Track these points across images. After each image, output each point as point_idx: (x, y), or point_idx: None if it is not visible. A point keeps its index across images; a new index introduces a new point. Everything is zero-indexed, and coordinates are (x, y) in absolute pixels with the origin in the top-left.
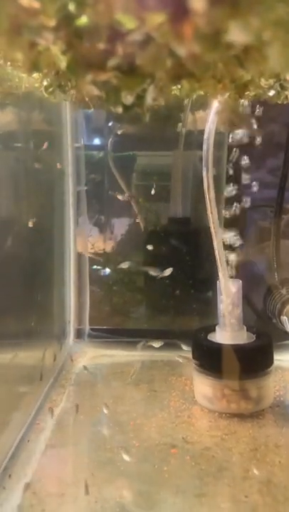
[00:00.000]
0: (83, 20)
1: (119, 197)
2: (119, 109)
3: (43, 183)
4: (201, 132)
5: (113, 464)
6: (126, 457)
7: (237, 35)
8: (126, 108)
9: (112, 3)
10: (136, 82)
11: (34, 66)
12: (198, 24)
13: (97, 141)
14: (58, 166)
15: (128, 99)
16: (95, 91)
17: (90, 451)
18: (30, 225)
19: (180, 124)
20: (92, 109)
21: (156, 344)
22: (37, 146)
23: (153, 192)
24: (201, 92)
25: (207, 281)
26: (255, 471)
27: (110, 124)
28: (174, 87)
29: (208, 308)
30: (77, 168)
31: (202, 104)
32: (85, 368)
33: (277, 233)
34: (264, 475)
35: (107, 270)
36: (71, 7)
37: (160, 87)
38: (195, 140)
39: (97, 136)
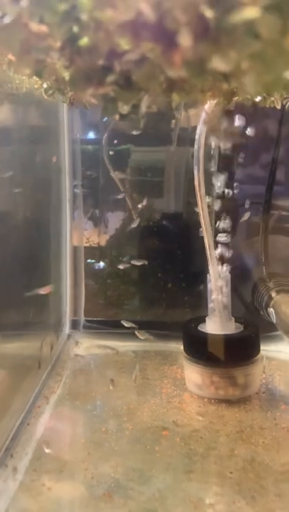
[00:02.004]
0: (84, 40)
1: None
2: (116, 117)
3: (40, 178)
4: (195, 129)
5: (108, 444)
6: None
7: (218, 64)
8: (122, 116)
9: (110, 32)
10: (132, 95)
11: (37, 74)
12: (186, 55)
13: (92, 136)
14: (54, 159)
15: (124, 109)
16: (94, 101)
17: (86, 433)
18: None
19: (173, 121)
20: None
21: (142, 336)
22: (34, 142)
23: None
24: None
25: (198, 275)
26: (240, 451)
27: (105, 119)
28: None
29: (199, 300)
30: (74, 163)
31: (196, 101)
32: (77, 355)
33: (266, 229)
34: (248, 454)
35: (102, 264)
36: (75, 30)
37: (153, 98)
38: (188, 137)
39: (92, 131)
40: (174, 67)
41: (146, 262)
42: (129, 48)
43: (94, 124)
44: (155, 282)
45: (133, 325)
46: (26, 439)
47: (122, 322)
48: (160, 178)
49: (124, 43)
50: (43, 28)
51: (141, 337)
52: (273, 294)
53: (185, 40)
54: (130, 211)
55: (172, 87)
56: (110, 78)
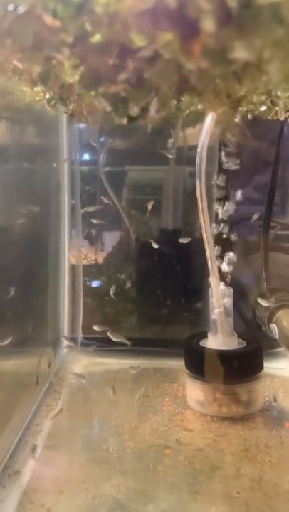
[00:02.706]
0: (97, 37)
1: (105, 200)
2: (124, 121)
3: (39, 194)
4: (191, 148)
5: (109, 463)
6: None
7: (241, 53)
8: (131, 119)
9: (127, 23)
10: (143, 94)
11: (42, 79)
12: (207, 43)
13: (89, 156)
14: (55, 165)
15: (134, 110)
16: (104, 103)
17: (87, 452)
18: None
19: (170, 140)
20: (86, 125)
21: (115, 338)
22: (34, 159)
23: (149, 207)
24: (198, 106)
25: (198, 291)
26: (247, 470)
27: (102, 139)
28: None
29: (198, 317)
30: (73, 182)
31: (193, 120)
32: (78, 375)
33: (266, 246)
34: (255, 473)
35: (99, 282)
36: (88, 26)
37: (163, 101)
38: (185, 156)
39: (89, 151)
40: (193, 57)
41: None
42: (144, 45)
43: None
44: (154, 299)
45: (125, 341)
46: (24, 457)
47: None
48: (157, 196)
49: (139, 39)
50: (56, 22)
51: (114, 339)
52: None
53: (208, 25)
54: (127, 229)
55: (184, 88)
56: (122, 76)
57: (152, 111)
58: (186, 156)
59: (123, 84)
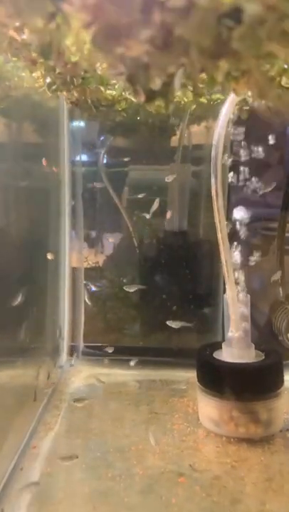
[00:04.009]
0: None
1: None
2: (142, 97)
3: (39, 196)
4: (196, 147)
5: (116, 494)
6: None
7: None
8: (150, 96)
9: None
10: (170, 59)
11: (43, 51)
12: None
13: (90, 156)
14: (55, 169)
15: (156, 82)
16: (122, 68)
17: (90, 481)
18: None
19: (173, 138)
20: (86, 122)
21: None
22: (34, 159)
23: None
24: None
25: (207, 297)
26: (273, 505)
27: (102, 138)
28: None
29: (208, 325)
30: (74, 182)
31: (198, 117)
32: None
33: (282, 247)
34: (282, 509)
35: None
36: None
37: (188, 74)
38: (189, 155)
39: (89, 150)
40: None
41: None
42: None
43: (92, 142)
44: (159, 305)
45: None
46: (20, 488)
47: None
48: (160, 196)
49: None
50: None
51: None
52: None
53: None
54: (128, 229)
55: (222, 51)
56: (146, 33)
57: (177, 83)
58: (190, 155)
59: (146, 45)
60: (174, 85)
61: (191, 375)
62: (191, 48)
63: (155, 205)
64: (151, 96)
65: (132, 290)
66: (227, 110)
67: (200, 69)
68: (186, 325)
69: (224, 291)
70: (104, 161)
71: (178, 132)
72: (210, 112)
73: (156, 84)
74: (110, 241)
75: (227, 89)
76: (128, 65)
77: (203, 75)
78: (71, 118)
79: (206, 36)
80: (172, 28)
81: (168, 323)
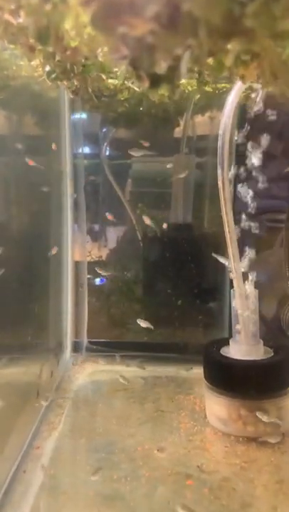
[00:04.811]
0: None
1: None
2: (146, 83)
3: (40, 189)
4: (200, 138)
5: (121, 498)
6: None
7: None
8: (154, 82)
9: None
10: (177, 40)
11: (41, 36)
12: None
13: (92, 148)
14: (54, 147)
15: (162, 65)
16: (124, 51)
17: (94, 483)
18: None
19: (177, 129)
20: (88, 114)
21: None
22: (35, 152)
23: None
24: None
25: (212, 291)
26: (285, 509)
27: (104, 129)
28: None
29: (214, 319)
30: (76, 174)
31: (202, 107)
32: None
33: None
34: None
35: (104, 280)
36: None
37: (196, 57)
38: (193, 146)
39: (91, 142)
40: None
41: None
42: None
43: (94, 134)
44: (164, 299)
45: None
46: (23, 491)
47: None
48: (163, 188)
49: None
50: None
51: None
52: None
53: None
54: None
55: (234, 30)
56: (151, 10)
57: (183, 67)
58: (195, 146)
59: (151, 24)
60: (181, 69)
61: (197, 371)
62: (199, 27)
63: None
64: (155, 81)
65: (144, 325)
66: (233, 99)
67: (208, 52)
68: (150, 326)
69: (230, 285)
70: (107, 153)
71: (181, 123)
72: (214, 101)
73: (162, 68)
74: (114, 234)
75: (235, 75)
76: (131, 47)
77: (210, 62)
78: (72, 109)
79: (216, 13)
80: (179, 3)
81: (138, 321)
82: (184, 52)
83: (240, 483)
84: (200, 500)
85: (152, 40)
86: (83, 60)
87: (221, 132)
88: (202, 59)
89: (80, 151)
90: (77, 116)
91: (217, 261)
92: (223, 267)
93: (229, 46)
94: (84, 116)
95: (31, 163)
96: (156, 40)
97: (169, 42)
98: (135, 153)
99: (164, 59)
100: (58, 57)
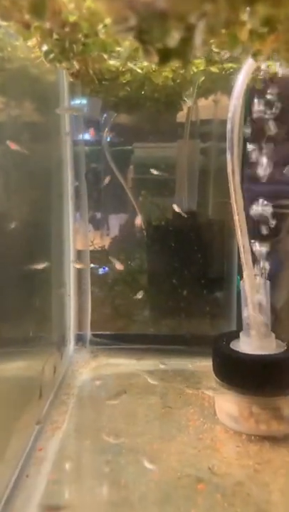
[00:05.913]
0: None
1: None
2: (155, 58)
3: (40, 176)
4: (204, 122)
5: (130, 506)
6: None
7: None
8: (164, 56)
9: None
10: (191, 6)
11: (36, 10)
12: None
13: (92, 133)
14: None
15: (174, 37)
16: (131, 21)
17: (101, 489)
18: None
19: (180, 114)
20: (88, 99)
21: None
22: (33, 139)
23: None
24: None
25: (220, 281)
26: None
27: (105, 115)
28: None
29: (221, 310)
30: (76, 162)
31: (206, 90)
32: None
33: None
34: None
35: (106, 269)
36: None
37: (211, 27)
38: (197, 131)
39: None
40: None
41: None
42: None
43: (94, 120)
44: (169, 290)
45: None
46: (25, 498)
47: None
48: (166, 175)
49: None
50: None
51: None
52: None
53: None
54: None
55: None
56: None
57: (198, 38)
58: (198, 131)
59: None
60: (195, 41)
61: (206, 363)
62: None
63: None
64: (165, 56)
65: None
66: (242, 79)
67: (224, 21)
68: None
69: (239, 275)
70: (108, 139)
71: (184, 107)
72: (219, 83)
73: (174, 39)
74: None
75: (249, 50)
76: (140, 14)
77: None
78: (72, 94)
79: None
80: None
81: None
82: (199, 21)
83: (254, 487)
84: (212, 507)
85: (164, 4)
86: (83, 39)
87: (230, 115)
88: (217, 29)
89: (81, 137)
90: (77, 102)
91: (223, 249)
92: (229, 255)
93: (246, 17)
94: (84, 101)
95: (13, 146)
96: (169, 4)
97: (184, 7)
98: None
99: (176, 28)
100: (55, 36)
